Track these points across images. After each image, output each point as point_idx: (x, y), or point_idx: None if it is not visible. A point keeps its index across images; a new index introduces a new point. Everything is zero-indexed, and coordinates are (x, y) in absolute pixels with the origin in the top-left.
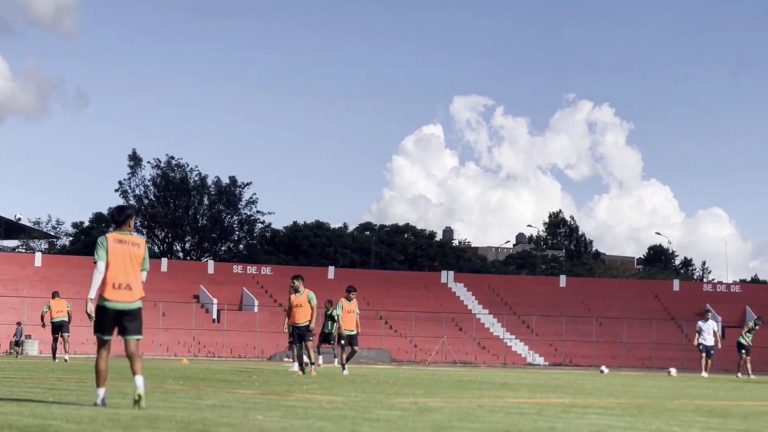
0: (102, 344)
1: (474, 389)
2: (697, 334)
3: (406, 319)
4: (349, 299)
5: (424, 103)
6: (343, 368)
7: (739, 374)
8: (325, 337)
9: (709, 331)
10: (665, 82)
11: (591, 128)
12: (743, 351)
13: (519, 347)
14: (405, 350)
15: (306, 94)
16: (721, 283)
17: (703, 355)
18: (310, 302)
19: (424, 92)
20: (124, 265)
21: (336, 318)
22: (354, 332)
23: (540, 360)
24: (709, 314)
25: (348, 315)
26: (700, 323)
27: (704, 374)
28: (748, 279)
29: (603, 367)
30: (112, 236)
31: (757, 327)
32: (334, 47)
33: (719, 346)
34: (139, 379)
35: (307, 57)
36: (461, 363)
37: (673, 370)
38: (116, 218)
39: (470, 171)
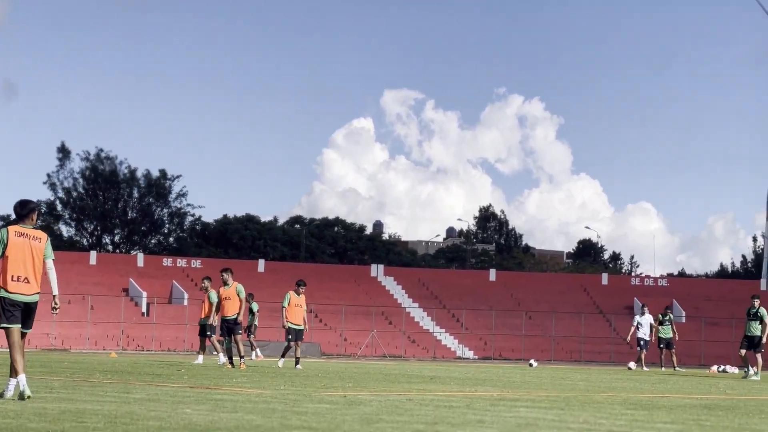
0: (9, 334)
1: (403, 382)
2: (635, 328)
3: (335, 313)
4: (297, 293)
5: (354, 97)
6: (297, 363)
7: (663, 368)
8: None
9: (647, 325)
10: (595, 77)
11: (521, 122)
12: (662, 345)
13: (449, 341)
14: (335, 344)
15: (236, 87)
16: (648, 277)
17: (643, 350)
18: (239, 295)
19: (355, 85)
20: (24, 258)
21: (282, 310)
22: (301, 327)
23: (469, 353)
24: (646, 308)
25: (295, 309)
26: (638, 317)
27: (644, 368)
28: (675, 273)
29: (532, 361)
30: (13, 229)
31: (667, 317)
32: (264, 39)
33: (677, 337)
34: (23, 379)
35: (238, 49)
36: (391, 356)
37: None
38: (19, 212)
39: (400, 165)
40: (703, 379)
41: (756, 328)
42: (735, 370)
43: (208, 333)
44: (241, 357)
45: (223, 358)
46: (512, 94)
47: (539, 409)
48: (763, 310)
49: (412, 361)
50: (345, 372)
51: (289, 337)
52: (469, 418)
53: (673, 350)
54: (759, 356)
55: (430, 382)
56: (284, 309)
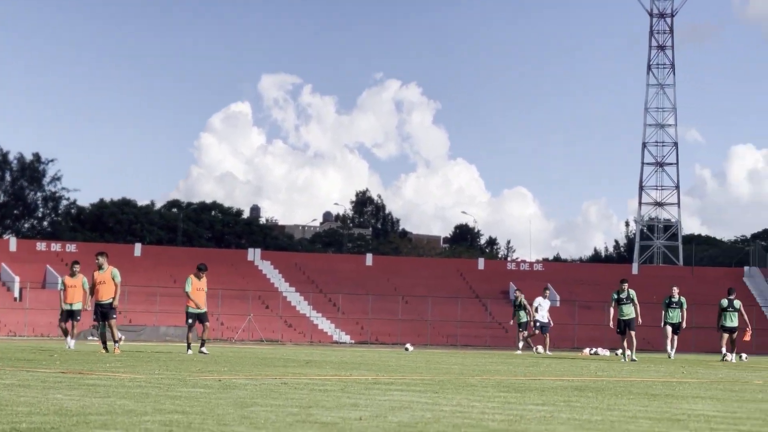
0: None
1: (279, 367)
2: (535, 312)
3: (212, 297)
4: (198, 277)
5: (231, 81)
6: (202, 345)
7: (539, 349)
8: None
9: (546, 308)
10: (472, 63)
11: (398, 107)
12: (540, 328)
13: (325, 325)
14: (212, 328)
15: (113, 69)
16: (524, 261)
17: (539, 332)
18: (114, 279)
19: (232, 69)
20: None
21: (187, 294)
22: (203, 310)
23: (346, 338)
24: (548, 292)
25: (197, 293)
26: (540, 300)
27: (540, 350)
28: (551, 258)
29: (408, 345)
30: None
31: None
32: (141, 21)
33: (551, 324)
34: None
35: (114, 31)
36: (268, 341)
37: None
38: None
39: (278, 149)
40: (575, 361)
41: (630, 311)
42: (606, 352)
43: (61, 318)
44: (116, 342)
45: (70, 342)
46: (389, 79)
47: (413, 392)
48: (633, 292)
49: (289, 346)
50: (221, 356)
51: (189, 321)
52: (344, 402)
53: (547, 333)
54: (633, 336)
55: (305, 366)
56: (188, 294)
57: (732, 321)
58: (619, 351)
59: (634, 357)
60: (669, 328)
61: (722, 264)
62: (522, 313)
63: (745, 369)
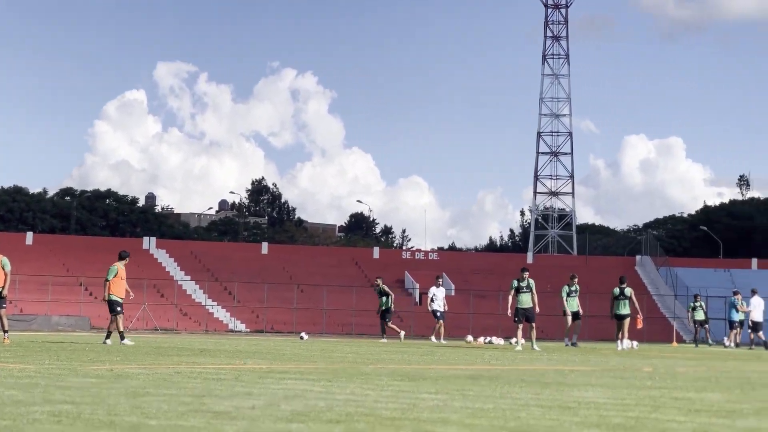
0: None
1: (173, 356)
2: (430, 300)
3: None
4: (122, 266)
5: (126, 68)
6: (122, 338)
7: (433, 338)
8: None
9: (441, 297)
10: (367, 52)
11: (294, 96)
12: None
13: (221, 314)
14: (105, 317)
15: (4, 55)
16: (419, 250)
17: (441, 321)
18: (3, 268)
19: (127, 57)
20: None
21: (105, 284)
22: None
23: (241, 326)
24: (441, 280)
25: (120, 282)
26: (433, 289)
27: (433, 339)
28: (446, 247)
29: (303, 334)
30: None
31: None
32: (35, 6)
33: (446, 309)
34: None
35: (6, 16)
36: (162, 330)
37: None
38: None
39: (173, 137)
40: (470, 350)
41: (529, 300)
42: (501, 341)
43: None
44: (5, 331)
45: None
46: (285, 68)
47: (307, 381)
48: (532, 282)
49: (184, 335)
50: (113, 346)
51: (118, 309)
52: (237, 391)
53: (443, 322)
54: (533, 326)
55: (200, 354)
56: (108, 282)
57: (624, 309)
58: (513, 339)
59: (535, 347)
60: (569, 318)
61: (615, 253)
62: (384, 299)
63: (635, 357)
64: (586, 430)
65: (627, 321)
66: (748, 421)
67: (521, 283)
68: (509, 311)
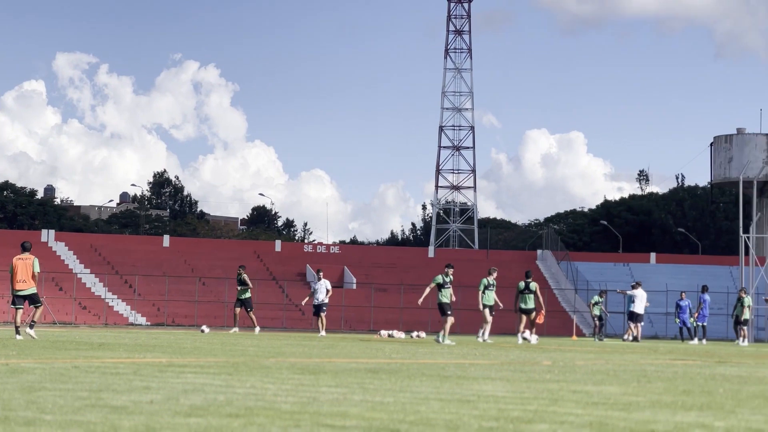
0: None
1: (70, 350)
2: (311, 295)
3: (4, 280)
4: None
5: (25, 59)
6: (30, 327)
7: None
8: None
9: (322, 290)
10: (270, 45)
11: (196, 89)
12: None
13: (121, 307)
14: (2, 310)
15: None
16: (321, 244)
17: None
18: (33, 269)
19: (26, 47)
20: None
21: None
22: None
23: (142, 320)
24: (321, 274)
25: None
26: (313, 284)
27: (322, 333)
28: (348, 240)
29: (204, 327)
30: None
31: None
32: None
33: (328, 300)
34: None
35: None
36: (61, 323)
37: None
38: None
39: (73, 129)
40: (371, 343)
41: (450, 295)
42: (402, 335)
43: None
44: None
45: None
46: (188, 60)
47: (207, 374)
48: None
49: (83, 328)
50: (9, 340)
51: (37, 304)
52: (136, 385)
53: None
54: (449, 319)
55: (98, 348)
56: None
57: (529, 303)
58: (416, 333)
59: (448, 340)
60: (487, 311)
61: (516, 247)
62: (241, 289)
63: (535, 350)
64: (486, 423)
65: (531, 315)
66: (644, 414)
67: (445, 279)
68: (420, 301)
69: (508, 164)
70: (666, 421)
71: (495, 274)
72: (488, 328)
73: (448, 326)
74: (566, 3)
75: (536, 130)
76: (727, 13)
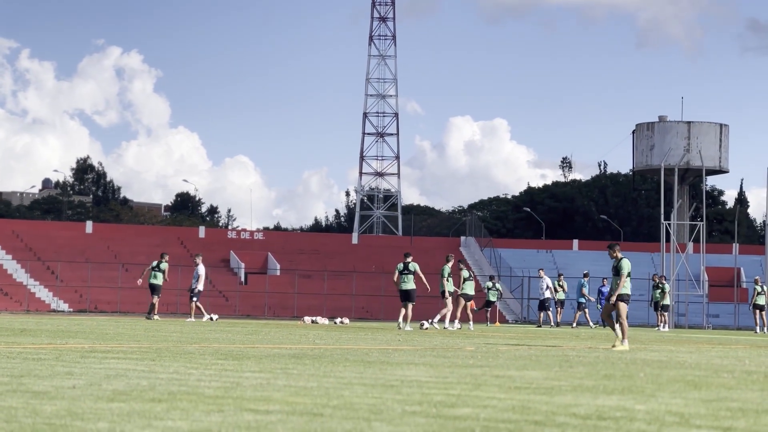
0: None
1: None
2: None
3: None
4: None
5: None
6: None
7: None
8: None
9: (201, 275)
10: (193, 31)
11: (119, 74)
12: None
13: (43, 294)
14: None
15: None
16: (245, 230)
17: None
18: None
19: None
20: None
21: None
22: None
23: (65, 306)
24: (199, 259)
25: None
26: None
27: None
28: (271, 227)
29: (213, 315)
30: None
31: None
32: None
33: (201, 288)
34: None
35: None
36: None
37: (214, 316)
38: None
39: None
40: (295, 329)
41: (411, 281)
42: (326, 321)
43: None
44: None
45: None
46: (111, 45)
47: (130, 360)
48: (415, 265)
49: (4, 315)
50: None
51: None
52: (58, 371)
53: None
54: (410, 306)
55: (20, 335)
56: None
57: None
58: (339, 319)
59: (409, 327)
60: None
61: (440, 234)
62: (154, 273)
63: (458, 336)
64: (409, 407)
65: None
66: (566, 398)
67: (407, 266)
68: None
69: (431, 151)
70: (588, 404)
71: (452, 262)
72: (449, 314)
73: (409, 312)
74: None
75: (460, 117)
76: (650, 2)
